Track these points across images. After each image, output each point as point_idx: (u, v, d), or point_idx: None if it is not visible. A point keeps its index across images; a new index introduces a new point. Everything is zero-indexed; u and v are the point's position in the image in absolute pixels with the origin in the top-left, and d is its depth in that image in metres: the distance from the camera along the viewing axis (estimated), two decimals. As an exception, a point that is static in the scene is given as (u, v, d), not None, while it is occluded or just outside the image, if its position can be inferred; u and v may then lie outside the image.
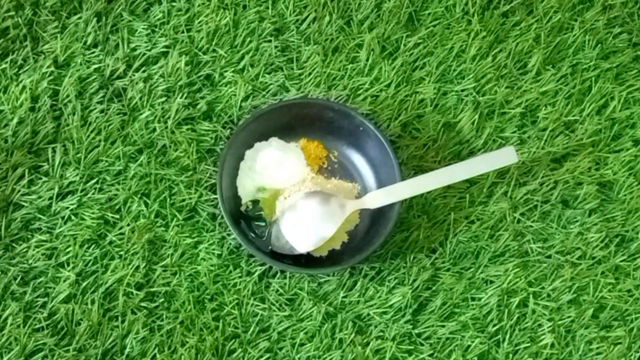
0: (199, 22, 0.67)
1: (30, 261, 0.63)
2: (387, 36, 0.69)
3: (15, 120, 0.63)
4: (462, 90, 0.70)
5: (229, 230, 0.64)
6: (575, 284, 0.68)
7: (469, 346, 0.66)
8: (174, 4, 0.67)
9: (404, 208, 0.67)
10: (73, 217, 0.64)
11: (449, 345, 0.66)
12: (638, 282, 0.69)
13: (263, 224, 0.66)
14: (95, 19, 0.65)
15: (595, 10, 0.72)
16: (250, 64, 0.68)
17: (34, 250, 0.63)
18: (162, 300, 0.64)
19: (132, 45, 0.66)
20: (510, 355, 0.66)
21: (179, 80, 0.66)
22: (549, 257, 0.68)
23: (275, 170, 0.67)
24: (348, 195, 0.68)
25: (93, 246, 0.63)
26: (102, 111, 0.65)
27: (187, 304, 0.64)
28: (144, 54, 0.66)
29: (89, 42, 0.66)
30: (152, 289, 0.64)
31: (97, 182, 0.64)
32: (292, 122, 0.68)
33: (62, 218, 0.64)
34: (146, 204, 0.65)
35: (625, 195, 0.70)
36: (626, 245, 0.69)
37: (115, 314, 0.63)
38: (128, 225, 0.64)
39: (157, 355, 0.62)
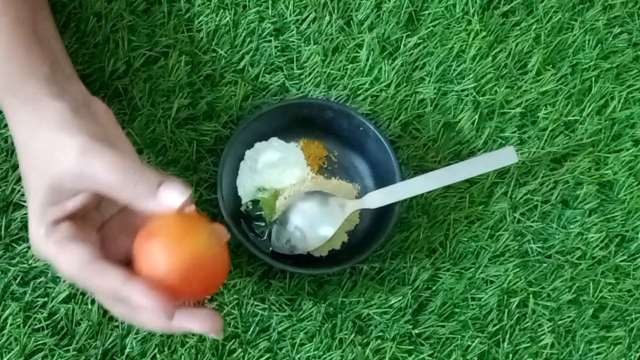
0: (199, 22, 0.67)
1: (30, 261, 0.63)
2: (387, 36, 0.69)
3: (15, 120, 0.63)
4: (462, 90, 0.70)
5: (229, 230, 0.64)
6: (575, 284, 0.68)
7: (469, 346, 0.66)
8: (174, 4, 0.67)
9: (404, 208, 0.67)
10: (73, 217, 0.64)
11: (449, 345, 0.66)
12: (638, 282, 0.69)
13: (263, 224, 0.66)
14: (95, 19, 0.65)
15: (595, 10, 0.73)
16: (250, 64, 0.68)
17: (34, 250, 0.63)
18: (162, 300, 0.64)
19: (132, 45, 0.66)
20: (510, 355, 0.66)
21: (179, 80, 0.66)
22: (549, 257, 0.68)
23: (275, 170, 0.67)
24: (348, 195, 0.68)
25: (93, 246, 0.63)
26: (102, 111, 0.65)
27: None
28: (144, 54, 0.66)
29: (89, 42, 0.66)
30: (152, 289, 0.64)
31: (97, 182, 0.64)
32: (292, 122, 0.68)
33: (62, 218, 0.64)
34: (146, 204, 0.65)
35: (625, 195, 0.70)
36: (626, 245, 0.69)
37: (115, 314, 0.63)
38: (128, 225, 0.64)
39: (157, 355, 0.62)
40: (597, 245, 0.69)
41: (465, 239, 0.68)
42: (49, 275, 0.63)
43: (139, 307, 0.48)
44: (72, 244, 0.49)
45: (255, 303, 0.65)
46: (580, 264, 0.68)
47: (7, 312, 0.61)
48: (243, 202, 0.66)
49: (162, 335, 0.63)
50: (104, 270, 0.49)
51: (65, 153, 0.49)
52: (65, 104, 0.52)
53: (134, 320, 0.52)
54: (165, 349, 0.63)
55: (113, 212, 0.55)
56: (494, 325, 0.67)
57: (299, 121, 0.68)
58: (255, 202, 0.67)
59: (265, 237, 0.66)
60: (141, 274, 0.49)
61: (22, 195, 0.63)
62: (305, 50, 0.69)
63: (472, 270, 0.67)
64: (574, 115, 0.71)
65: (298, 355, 0.64)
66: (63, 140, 0.49)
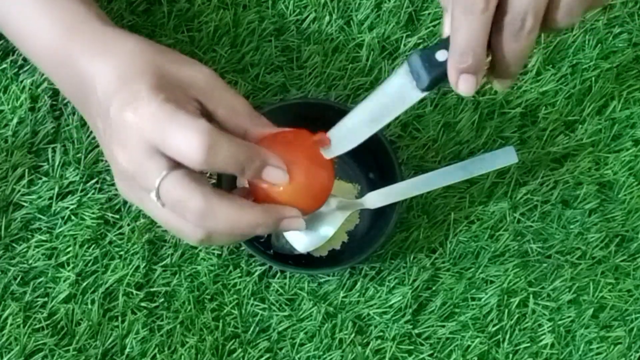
0: (199, 22, 0.67)
1: (30, 261, 0.63)
2: (387, 36, 0.69)
3: (15, 120, 0.63)
4: (462, 90, 0.69)
5: (229, 230, 0.64)
6: (575, 284, 0.68)
7: (469, 346, 0.66)
8: (174, 4, 0.67)
9: (404, 208, 0.67)
10: (73, 217, 0.64)
11: (449, 345, 0.66)
12: (638, 282, 0.69)
13: (263, 224, 0.66)
14: (95, 19, 0.65)
15: (595, 10, 0.72)
16: (250, 64, 0.68)
17: (34, 250, 0.63)
18: (162, 300, 0.64)
19: (132, 45, 0.66)
20: (510, 355, 0.66)
21: (179, 80, 0.66)
22: (549, 257, 0.68)
23: (275, 170, 0.67)
24: (348, 195, 0.68)
25: (93, 246, 0.64)
26: (102, 111, 0.65)
27: (187, 304, 0.64)
28: (144, 54, 0.66)
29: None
30: (152, 289, 0.64)
31: (97, 182, 0.64)
32: (292, 122, 0.67)
33: (62, 218, 0.64)
34: (146, 204, 0.65)
35: (625, 195, 0.70)
36: (626, 245, 0.69)
37: (115, 314, 0.63)
38: (128, 225, 0.64)
39: (157, 355, 0.62)
40: (597, 245, 0.69)
41: (465, 239, 0.68)
42: (49, 275, 0.63)
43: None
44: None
45: (255, 303, 0.65)
46: (580, 264, 0.68)
47: (7, 312, 0.61)
48: (243, 202, 0.66)
49: (162, 335, 0.63)
50: (235, 139, 0.49)
51: (197, 73, 0.50)
52: None
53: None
54: (165, 349, 0.63)
55: None
56: (494, 325, 0.67)
57: (299, 121, 0.67)
58: (255, 202, 0.66)
59: (265, 237, 0.66)
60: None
61: (22, 195, 0.63)
62: (305, 50, 0.69)
63: (472, 270, 0.67)
64: (574, 115, 0.71)
65: (298, 355, 0.64)
66: (193, 63, 0.51)
